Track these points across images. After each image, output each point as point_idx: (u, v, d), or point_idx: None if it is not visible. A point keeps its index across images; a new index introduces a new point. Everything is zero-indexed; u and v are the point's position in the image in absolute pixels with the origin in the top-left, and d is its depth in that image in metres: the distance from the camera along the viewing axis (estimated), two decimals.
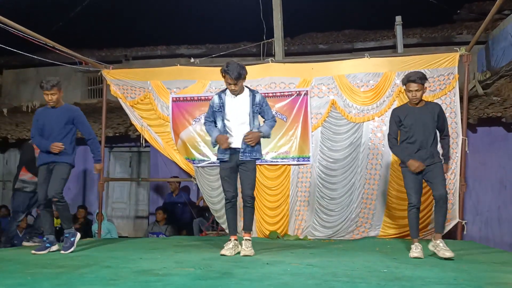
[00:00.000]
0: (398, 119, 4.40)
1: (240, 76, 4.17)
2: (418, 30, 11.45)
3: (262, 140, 6.23)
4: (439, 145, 4.51)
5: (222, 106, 4.32)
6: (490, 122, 7.04)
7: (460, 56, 5.92)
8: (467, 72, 6.11)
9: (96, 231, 7.07)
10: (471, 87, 7.80)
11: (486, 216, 7.01)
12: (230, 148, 4.26)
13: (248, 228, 4.34)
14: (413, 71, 4.63)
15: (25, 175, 5.51)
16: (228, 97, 4.34)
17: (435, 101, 5.51)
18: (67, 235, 4.55)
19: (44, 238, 4.51)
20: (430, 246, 4.19)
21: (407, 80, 4.30)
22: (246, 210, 4.33)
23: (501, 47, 9.07)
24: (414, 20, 11.15)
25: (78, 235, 4.63)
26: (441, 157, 4.45)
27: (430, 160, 4.29)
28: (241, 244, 4.24)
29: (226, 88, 4.36)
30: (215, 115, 4.37)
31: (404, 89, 4.43)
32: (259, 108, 4.32)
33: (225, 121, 4.32)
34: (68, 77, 11.57)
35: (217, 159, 4.43)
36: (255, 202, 6.22)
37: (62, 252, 4.42)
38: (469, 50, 6.02)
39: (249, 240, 4.25)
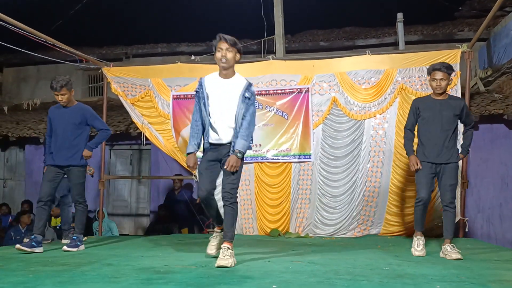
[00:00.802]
0: (417, 109, 4.29)
1: (236, 43, 3.57)
2: (419, 27, 11.44)
3: (262, 138, 6.31)
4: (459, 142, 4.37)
5: (205, 90, 3.66)
6: (492, 119, 7.04)
7: (462, 53, 5.90)
8: (469, 69, 6.09)
9: (97, 229, 7.07)
10: (472, 84, 7.78)
11: (488, 213, 7.00)
12: (214, 143, 3.67)
13: (227, 235, 3.51)
14: (439, 62, 4.51)
15: None
16: (215, 80, 3.66)
17: None
18: (75, 237, 4.56)
19: (32, 237, 4.39)
20: (440, 253, 4.12)
21: (432, 69, 4.19)
22: (225, 211, 3.56)
23: (503, 44, 9.05)
24: (415, 17, 11.14)
25: (83, 246, 4.63)
26: (460, 148, 4.34)
27: (446, 158, 4.15)
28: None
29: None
30: (200, 104, 3.69)
31: (429, 79, 4.29)
32: (248, 99, 3.59)
33: (208, 109, 3.64)
34: (69, 75, 11.53)
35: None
36: (256, 200, 6.30)
37: (65, 248, 4.43)
38: (471, 47, 6.00)
39: (228, 248, 3.43)
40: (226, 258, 3.35)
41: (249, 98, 3.59)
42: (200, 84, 3.71)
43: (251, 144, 3.72)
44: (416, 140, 4.40)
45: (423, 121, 4.26)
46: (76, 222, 4.70)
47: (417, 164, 4.21)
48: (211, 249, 3.83)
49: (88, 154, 4.64)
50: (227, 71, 3.62)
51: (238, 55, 3.64)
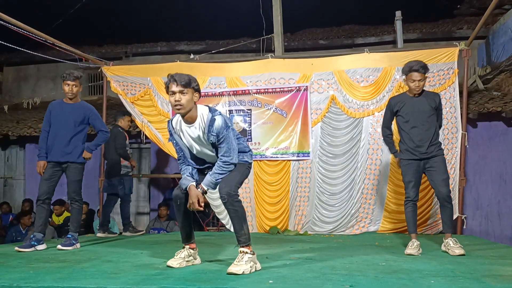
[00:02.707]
0: (393, 108, 4.28)
1: (190, 82, 3.12)
2: (418, 25, 11.47)
3: (261, 136, 6.34)
4: (440, 137, 4.39)
5: (177, 138, 3.35)
6: (490, 117, 7.06)
7: (460, 51, 5.92)
8: (467, 67, 6.12)
9: (98, 227, 7.10)
10: (471, 82, 7.82)
11: (486, 211, 7.03)
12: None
13: (240, 241, 3.13)
14: (414, 60, 4.35)
15: (124, 161, 6.10)
16: (181, 127, 3.29)
17: None
18: (70, 236, 4.54)
19: (31, 236, 4.40)
20: (442, 246, 4.13)
21: (409, 70, 4.13)
22: (228, 212, 3.24)
23: (501, 42, 9.08)
24: (414, 15, 11.17)
25: (79, 244, 4.62)
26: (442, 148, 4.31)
27: (431, 151, 4.14)
28: None
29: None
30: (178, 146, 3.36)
31: (405, 79, 4.25)
32: (215, 138, 3.20)
33: (189, 154, 3.38)
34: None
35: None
36: (255, 198, 6.33)
37: (59, 246, 4.41)
38: (469, 45, 6.02)
39: (245, 253, 3.07)
40: (239, 264, 2.98)
41: (216, 136, 3.14)
42: (170, 132, 3.35)
43: (248, 150, 3.41)
44: (395, 137, 4.43)
45: (402, 119, 4.23)
46: (71, 220, 4.65)
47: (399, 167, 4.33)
48: (171, 261, 3.27)
49: (89, 155, 4.65)
50: (187, 116, 3.16)
51: (196, 95, 3.15)
